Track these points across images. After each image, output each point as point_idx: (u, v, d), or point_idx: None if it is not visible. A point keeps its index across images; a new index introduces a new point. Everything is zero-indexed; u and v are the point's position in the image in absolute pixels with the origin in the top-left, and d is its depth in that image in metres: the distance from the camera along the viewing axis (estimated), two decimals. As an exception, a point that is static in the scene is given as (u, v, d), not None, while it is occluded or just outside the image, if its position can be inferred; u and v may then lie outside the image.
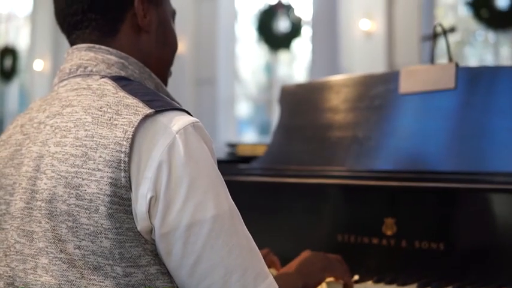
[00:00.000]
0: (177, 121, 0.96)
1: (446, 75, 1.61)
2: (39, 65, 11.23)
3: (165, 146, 0.92)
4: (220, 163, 1.94)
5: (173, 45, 1.21)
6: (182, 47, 9.44)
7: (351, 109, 1.69)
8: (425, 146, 1.56)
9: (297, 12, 9.06)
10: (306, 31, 8.74)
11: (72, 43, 1.12)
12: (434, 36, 1.79)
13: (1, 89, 12.62)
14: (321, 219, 1.56)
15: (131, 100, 0.97)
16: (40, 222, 0.97)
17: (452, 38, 7.77)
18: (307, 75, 8.75)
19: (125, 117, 0.94)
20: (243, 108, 10.36)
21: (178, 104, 1.12)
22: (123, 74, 1.06)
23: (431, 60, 1.77)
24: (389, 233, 1.45)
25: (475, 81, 1.60)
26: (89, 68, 1.05)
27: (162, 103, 0.98)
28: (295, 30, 8.96)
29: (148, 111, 0.94)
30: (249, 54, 10.25)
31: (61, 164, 0.95)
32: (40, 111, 1.06)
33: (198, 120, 0.99)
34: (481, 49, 8.43)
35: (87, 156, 0.93)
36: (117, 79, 1.03)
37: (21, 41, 12.44)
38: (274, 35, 9.05)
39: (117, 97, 0.98)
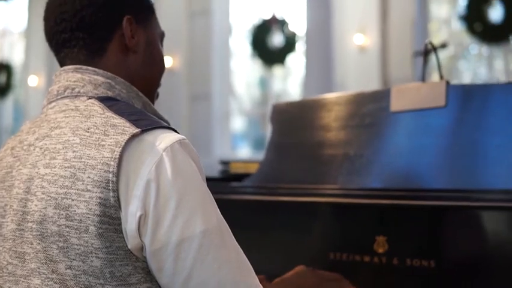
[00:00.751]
0: (164, 139, 0.97)
1: (437, 93, 1.63)
2: (34, 80, 11.25)
3: (152, 164, 0.94)
4: (213, 181, 1.93)
5: (160, 66, 1.23)
6: (177, 62, 9.48)
7: (342, 127, 1.70)
8: (417, 163, 1.57)
9: (292, 27, 9.12)
10: (301, 46, 8.79)
11: (60, 61, 1.13)
12: (424, 54, 1.80)
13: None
14: (312, 238, 1.56)
15: (118, 120, 0.98)
16: (32, 244, 0.98)
17: (446, 52, 7.84)
18: (301, 90, 8.79)
19: (112, 138, 0.95)
20: (238, 123, 10.38)
21: (165, 121, 1.13)
22: (110, 94, 1.07)
23: (422, 78, 1.78)
24: (380, 250, 1.45)
25: (465, 98, 1.61)
26: (76, 90, 1.07)
27: (149, 122, 0.99)
28: (290, 45, 9.01)
29: (135, 130, 0.96)
30: (243, 69, 10.28)
31: (51, 186, 0.96)
32: (30, 134, 1.08)
33: (184, 137, 1.00)
34: (475, 63, 8.49)
35: (75, 177, 0.94)
36: (104, 99, 1.05)
37: (15, 56, 12.48)
38: (268, 50, 9.09)
39: (104, 117, 0.99)
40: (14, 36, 12.61)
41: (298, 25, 8.84)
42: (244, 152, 10.03)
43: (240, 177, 1.91)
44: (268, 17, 9.21)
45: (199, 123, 9.53)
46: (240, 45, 10.15)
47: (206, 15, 9.50)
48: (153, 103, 1.21)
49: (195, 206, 0.95)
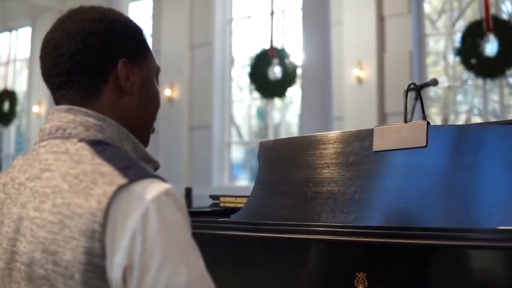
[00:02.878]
0: (151, 190, 0.98)
1: (418, 134, 1.68)
2: (37, 108, 11.34)
3: (138, 216, 0.96)
4: (202, 214, 1.98)
5: (155, 104, 1.24)
6: (178, 92, 9.58)
7: (326, 165, 1.75)
8: (398, 202, 1.61)
9: (293, 59, 9.15)
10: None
11: (56, 101, 1.16)
12: (406, 94, 1.86)
13: (-1, 132, 12.70)
14: (296, 274, 1.60)
15: (107, 168, 1.01)
16: (20, 283, 1.00)
17: (443, 83, 7.90)
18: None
19: (100, 187, 0.98)
20: (237, 153, 10.43)
21: (155, 163, 1.17)
22: (100, 136, 1.09)
23: (405, 118, 1.83)
24: (361, 287, 1.49)
25: (445, 139, 1.66)
26: (68, 131, 1.09)
27: (137, 171, 1.01)
28: (290, 77, 8.98)
29: (123, 181, 0.98)
30: (243, 99, 10.36)
31: (39, 230, 0.99)
32: (21, 172, 1.10)
33: (171, 187, 1.02)
34: (471, 94, 8.56)
35: (63, 224, 0.97)
36: (95, 143, 1.07)
37: (19, 84, 12.58)
38: (268, 82, 9.09)
39: (93, 164, 1.02)
40: (18, 64, 12.74)
41: (300, 57, 8.89)
42: (243, 181, 10.06)
43: (229, 211, 1.96)
44: (268, 48, 9.27)
45: (199, 153, 9.59)
46: (241, 76, 10.25)
47: (207, 47, 9.63)
48: (148, 139, 1.23)
49: (180, 257, 0.97)
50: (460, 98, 8.60)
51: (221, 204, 2.07)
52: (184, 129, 9.65)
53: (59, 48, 1.12)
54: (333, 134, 1.80)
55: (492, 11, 7.53)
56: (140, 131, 1.19)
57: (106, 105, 1.13)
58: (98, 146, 1.07)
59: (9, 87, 12.35)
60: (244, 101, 10.35)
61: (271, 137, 9.71)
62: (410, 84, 1.92)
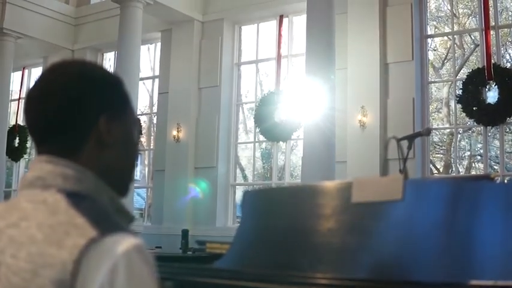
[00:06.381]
0: (121, 244, 1.03)
1: (394, 187, 1.74)
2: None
3: (108, 269, 1.00)
4: (186, 261, 2.03)
5: (134, 155, 1.29)
6: (184, 133, 9.68)
7: (307, 216, 1.81)
8: (379, 254, 1.66)
9: (297, 103, 9.20)
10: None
11: (39, 152, 1.20)
12: (385, 147, 1.93)
13: (9, 167, 12.78)
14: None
15: (80, 220, 1.06)
16: None
17: (444, 130, 7.93)
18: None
19: (73, 239, 1.03)
20: (241, 194, 10.45)
21: (129, 217, 1.22)
22: (78, 188, 1.14)
23: (383, 171, 1.91)
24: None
25: (420, 192, 1.72)
26: (47, 181, 1.14)
27: (109, 225, 1.07)
28: (296, 120, 9.00)
29: (94, 234, 1.03)
30: (249, 140, 10.43)
31: (14, 276, 1.04)
32: (1, 219, 1.14)
33: (141, 242, 1.06)
34: (473, 140, 8.61)
35: (36, 272, 1.02)
36: (71, 195, 1.12)
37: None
38: (273, 126, 9.14)
39: (68, 216, 1.07)
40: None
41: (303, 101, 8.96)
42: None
43: (214, 257, 2.02)
44: (273, 90, 9.40)
45: (204, 194, 9.62)
46: (247, 118, 10.35)
47: (214, 90, 9.76)
48: (127, 188, 1.28)
49: None
50: (463, 143, 8.65)
51: (207, 250, 2.13)
52: (190, 169, 9.72)
53: (43, 104, 1.16)
54: (314, 185, 1.87)
55: (494, 59, 7.63)
56: (119, 181, 1.24)
57: (86, 157, 1.17)
58: (75, 197, 1.12)
59: (20, 123, 12.50)
60: (249, 143, 10.43)
61: (275, 179, 9.76)
62: (391, 138, 2.00)
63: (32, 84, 1.26)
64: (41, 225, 1.08)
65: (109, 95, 1.21)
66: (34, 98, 1.19)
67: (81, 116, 1.17)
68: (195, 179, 9.60)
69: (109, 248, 1.02)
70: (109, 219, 1.10)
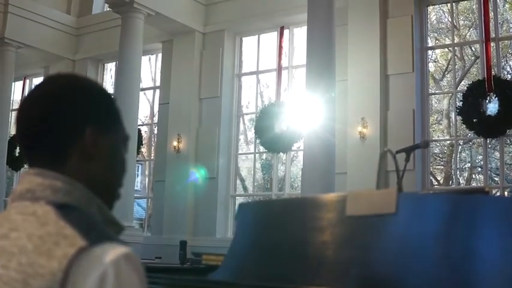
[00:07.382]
0: (110, 253, 1.04)
1: (388, 201, 1.74)
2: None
3: (97, 278, 1.01)
4: (182, 272, 2.03)
5: (121, 171, 1.30)
6: (185, 144, 9.69)
7: (300, 228, 1.81)
8: (368, 267, 1.66)
9: (298, 114, 9.21)
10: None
11: (27, 161, 1.22)
12: (381, 160, 1.93)
13: (9, 177, 12.80)
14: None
15: (69, 231, 1.07)
16: None
17: (445, 142, 7.93)
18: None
19: (62, 249, 1.04)
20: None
21: (119, 227, 1.22)
22: (67, 199, 1.16)
23: (379, 183, 1.91)
24: None
25: (414, 206, 1.72)
26: (37, 194, 1.15)
27: (98, 235, 1.08)
28: (297, 131, 9.00)
29: (83, 244, 1.04)
30: (249, 152, 10.44)
31: (5, 286, 1.05)
32: None
33: (130, 251, 1.07)
34: (474, 151, 8.61)
35: (26, 282, 1.03)
36: (60, 207, 1.13)
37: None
38: (273, 137, 9.15)
39: (57, 227, 1.08)
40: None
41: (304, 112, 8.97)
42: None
43: (210, 268, 2.02)
44: (274, 101, 9.41)
45: (204, 204, 9.62)
46: (247, 129, 10.37)
47: (215, 100, 9.78)
48: (114, 201, 1.28)
49: None
50: (464, 155, 8.65)
51: (203, 262, 2.13)
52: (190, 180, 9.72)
53: (31, 112, 1.19)
54: (309, 197, 1.87)
55: (494, 70, 7.64)
56: (106, 193, 1.25)
57: (73, 168, 1.19)
58: (64, 209, 1.13)
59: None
60: (249, 153, 10.44)
61: (275, 190, 9.75)
62: (386, 150, 2.00)
63: (30, 94, 1.27)
64: (31, 236, 1.09)
65: (97, 108, 1.23)
66: (25, 107, 1.21)
67: (68, 124, 1.18)
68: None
69: (98, 257, 1.03)
70: (98, 229, 1.11)
